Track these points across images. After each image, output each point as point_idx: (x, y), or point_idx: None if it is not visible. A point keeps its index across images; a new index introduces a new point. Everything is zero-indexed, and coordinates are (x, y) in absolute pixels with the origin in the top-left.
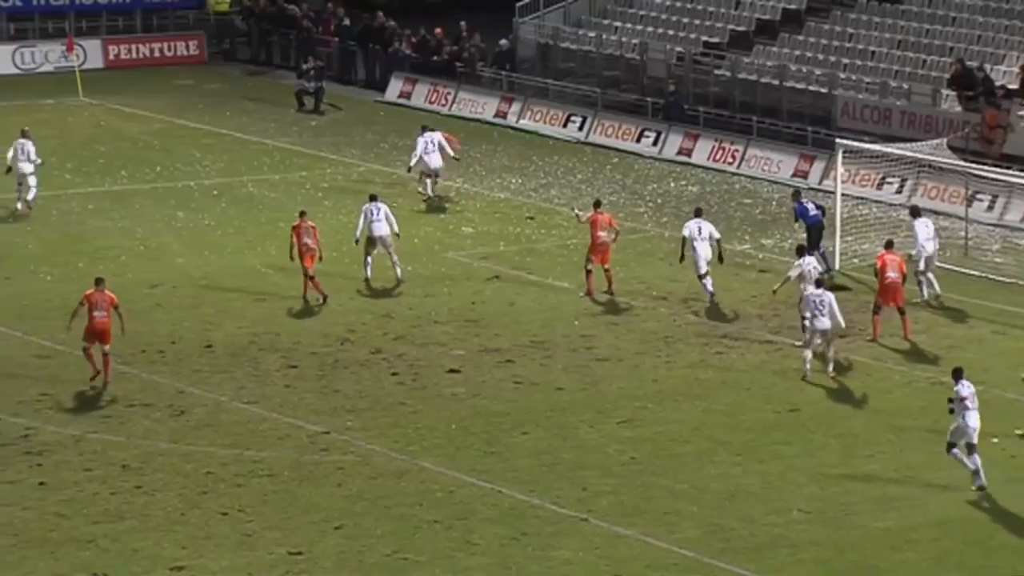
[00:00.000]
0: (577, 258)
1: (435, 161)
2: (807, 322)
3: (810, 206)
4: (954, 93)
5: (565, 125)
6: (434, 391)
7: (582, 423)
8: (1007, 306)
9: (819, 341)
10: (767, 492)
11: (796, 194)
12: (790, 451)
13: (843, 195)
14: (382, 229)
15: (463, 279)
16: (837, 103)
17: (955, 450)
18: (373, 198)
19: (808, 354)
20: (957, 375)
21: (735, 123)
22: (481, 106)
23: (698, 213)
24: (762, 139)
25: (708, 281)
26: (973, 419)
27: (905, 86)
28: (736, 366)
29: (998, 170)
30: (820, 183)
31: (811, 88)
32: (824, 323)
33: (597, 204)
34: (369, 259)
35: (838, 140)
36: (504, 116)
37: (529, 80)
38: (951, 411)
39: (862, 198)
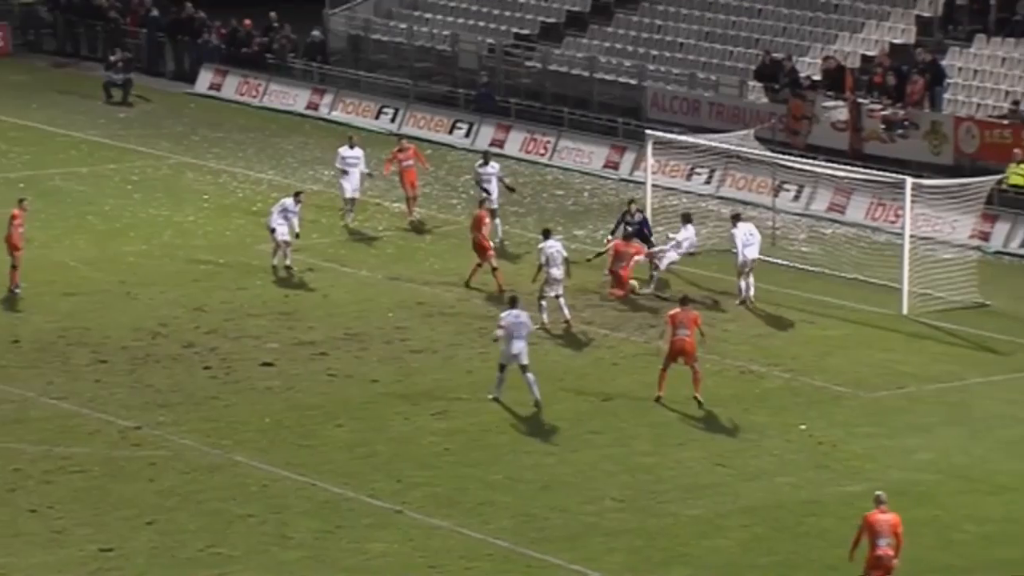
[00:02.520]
0: (392, 249)
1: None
2: (740, 254)
3: None
4: (760, 84)
5: (377, 117)
6: (247, 385)
7: (397, 415)
8: (814, 295)
9: (747, 270)
10: (581, 481)
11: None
12: (603, 440)
13: (653, 186)
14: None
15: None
16: (646, 94)
17: (501, 374)
18: (295, 194)
19: (544, 303)
20: (512, 303)
21: (546, 114)
22: (292, 98)
23: (485, 158)
24: (573, 130)
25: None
26: (515, 346)
27: (713, 77)
28: (549, 356)
29: (804, 160)
30: (631, 174)
31: (621, 80)
32: (753, 252)
33: (492, 214)
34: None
35: (648, 131)
36: (316, 108)
37: (340, 72)
38: (495, 339)
39: (672, 189)
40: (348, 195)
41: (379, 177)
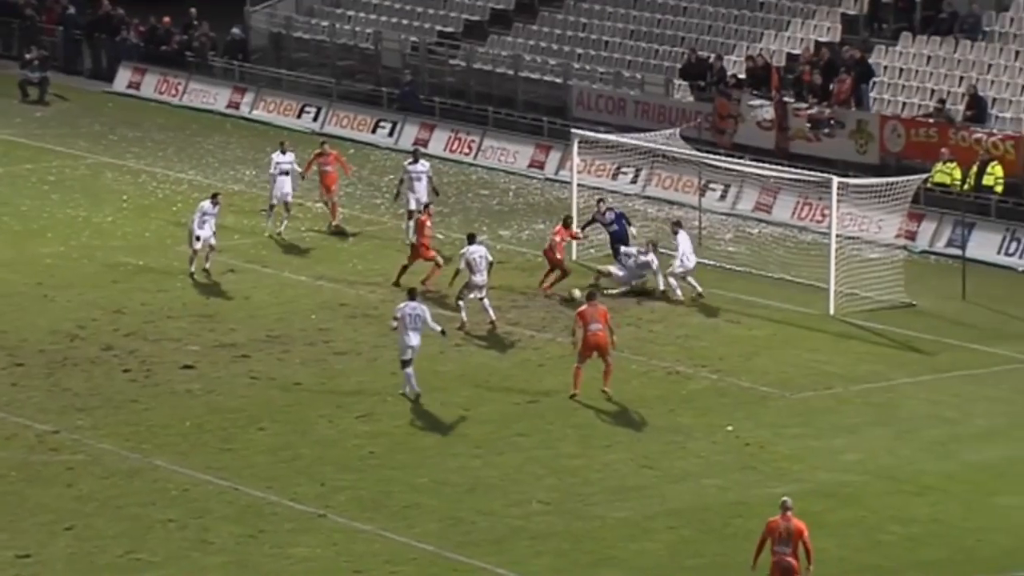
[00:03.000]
0: (314, 250)
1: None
2: (681, 260)
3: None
4: (686, 83)
5: (299, 116)
6: (167, 388)
7: (320, 418)
8: (740, 295)
9: (690, 277)
10: (506, 484)
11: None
12: (529, 443)
13: (579, 185)
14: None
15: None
16: (572, 93)
17: (407, 370)
18: (213, 196)
19: (463, 303)
20: (410, 295)
21: (471, 113)
22: (213, 97)
23: (415, 156)
24: (498, 129)
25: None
26: (412, 339)
27: (638, 76)
28: (474, 358)
29: (730, 160)
30: (556, 173)
31: (546, 78)
32: (694, 259)
33: (410, 215)
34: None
35: (573, 130)
36: (237, 107)
37: (262, 70)
38: (393, 328)
39: (598, 188)
40: (278, 200)
41: (299, 176)
